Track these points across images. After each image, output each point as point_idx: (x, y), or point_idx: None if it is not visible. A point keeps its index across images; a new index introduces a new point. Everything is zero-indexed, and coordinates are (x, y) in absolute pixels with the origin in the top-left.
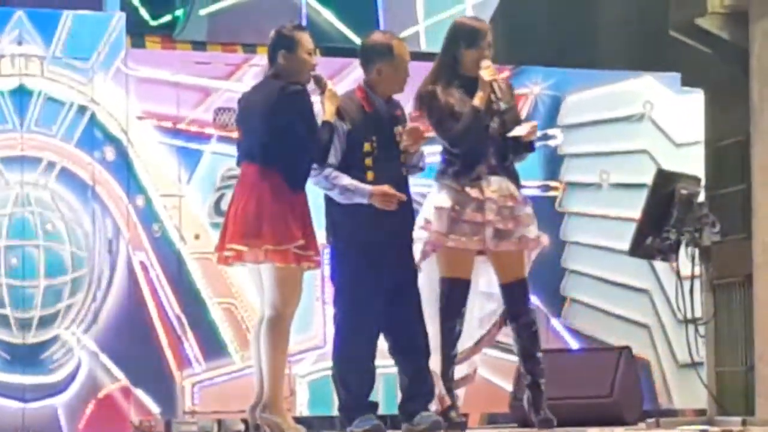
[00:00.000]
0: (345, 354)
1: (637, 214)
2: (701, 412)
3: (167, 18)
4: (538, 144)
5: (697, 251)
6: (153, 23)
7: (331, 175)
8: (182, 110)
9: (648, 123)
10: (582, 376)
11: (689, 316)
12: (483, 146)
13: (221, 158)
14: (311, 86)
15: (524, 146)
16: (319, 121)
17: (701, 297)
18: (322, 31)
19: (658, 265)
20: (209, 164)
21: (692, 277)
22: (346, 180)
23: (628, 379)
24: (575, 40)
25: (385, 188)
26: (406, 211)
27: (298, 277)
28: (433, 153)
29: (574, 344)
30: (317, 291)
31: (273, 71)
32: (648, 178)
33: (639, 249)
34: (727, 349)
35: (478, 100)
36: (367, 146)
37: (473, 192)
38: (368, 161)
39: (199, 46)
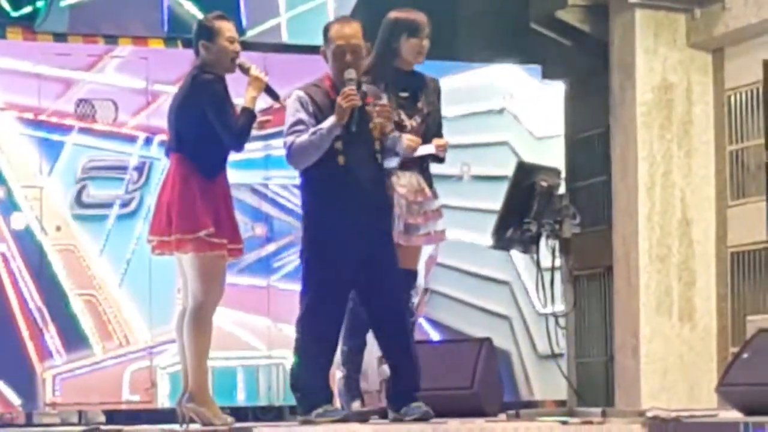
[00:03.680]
0: (313, 337)
1: (497, 206)
2: (561, 403)
3: (28, 9)
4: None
5: (557, 243)
6: (14, 14)
7: (294, 142)
8: (43, 101)
9: (508, 115)
10: (442, 367)
11: (549, 307)
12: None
13: (83, 149)
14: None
15: (433, 157)
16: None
17: (561, 288)
18: (183, 22)
19: (518, 257)
20: (70, 155)
21: (552, 269)
22: (307, 134)
23: (488, 370)
24: (437, 32)
25: (340, 97)
26: (378, 195)
27: (218, 266)
28: None
29: (434, 335)
30: (179, 282)
31: (197, 62)
32: (508, 171)
33: (500, 241)
34: (588, 340)
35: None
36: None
37: None
38: (338, 144)
39: (60, 37)
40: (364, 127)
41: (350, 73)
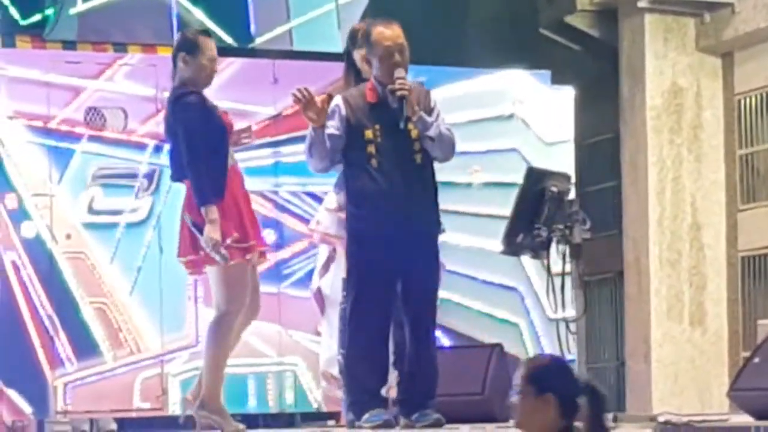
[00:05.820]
0: (354, 344)
1: (507, 212)
2: None
3: (37, 17)
4: None
5: (567, 248)
6: (23, 23)
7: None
8: (53, 109)
9: (518, 121)
10: (453, 373)
11: (560, 313)
12: None
13: (92, 157)
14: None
15: None
16: None
17: (572, 294)
18: None
19: (528, 262)
20: (80, 163)
21: (563, 274)
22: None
23: (499, 376)
24: (446, 38)
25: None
26: (415, 197)
27: (243, 274)
28: None
29: (445, 342)
30: (189, 290)
31: (176, 80)
32: (518, 177)
33: (510, 247)
34: (599, 346)
35: None
36: (368, 133)
37: None
38: (370, 148)
39: (69, 45)
40: (404, 135)
41: (400, 72)
